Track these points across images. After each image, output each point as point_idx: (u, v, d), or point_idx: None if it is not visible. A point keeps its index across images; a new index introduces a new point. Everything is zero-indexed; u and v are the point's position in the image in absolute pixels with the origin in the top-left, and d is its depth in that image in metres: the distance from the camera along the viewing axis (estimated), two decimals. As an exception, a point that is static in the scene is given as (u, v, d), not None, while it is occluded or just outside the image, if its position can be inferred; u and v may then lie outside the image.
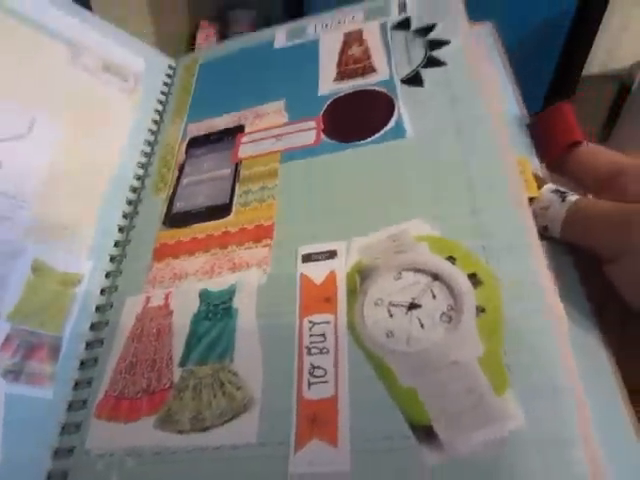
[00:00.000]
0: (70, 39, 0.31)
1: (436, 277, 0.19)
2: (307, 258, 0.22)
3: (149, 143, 0.31)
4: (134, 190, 0.29)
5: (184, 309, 0.22)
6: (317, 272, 0.21)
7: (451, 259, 0.19)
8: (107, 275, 0.26)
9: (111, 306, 0.24)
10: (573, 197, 0.20)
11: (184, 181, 0.28)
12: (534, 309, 0.17)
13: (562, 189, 0.21)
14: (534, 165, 0.24)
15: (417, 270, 0.20)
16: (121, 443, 0.20)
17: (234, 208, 0.25)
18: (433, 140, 0.23)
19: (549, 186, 0.22)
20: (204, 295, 0.22)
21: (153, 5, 1.10)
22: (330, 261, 0.21)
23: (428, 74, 0.26)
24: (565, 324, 0.17)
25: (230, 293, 0.22)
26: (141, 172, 0.30)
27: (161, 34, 1.12)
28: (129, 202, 0.28)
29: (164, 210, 0.27)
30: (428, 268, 0.20)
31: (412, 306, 0.19)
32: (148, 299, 0.23)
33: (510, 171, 0.21)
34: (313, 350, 0.19)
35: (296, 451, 0.17)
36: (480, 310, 0.18)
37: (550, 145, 0.24)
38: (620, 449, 0.16)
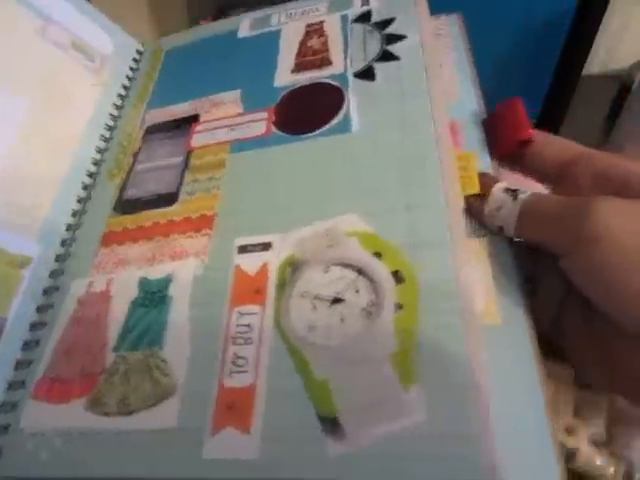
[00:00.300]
0: (43, 11, 0.30)
1: (361, 272, 0.20)
2: (243, 249, 0.22)
3: (109, 128, 0.31)
4: (90, 175, 0.29)
5: (123, 296, 0.23)
6: (251, 264, 0.21)
7: (378, 255, 0.20)
8: (57, 258, 0.26)
9: (57, 289, 0.25)
10: (524, 195, 0.20)
11: (137, 168, 0.28)
12: (448, 308, 0.18)
13: (513, 187, 0.21)
14: (485, 161, 0.24)
15: (344, 265, 0.20)
16: (52, 423, 0.20)
17: (180, 197, 0.25)
18: (376, 136, 0.23)
19: (499, 185, 0.22)
20: (143, 283, 0.23)
21: (153, 4, 1.09)
22: (264, 253, 0.21)
23: (381, 69, 0.26)
24: (479, 322, 0.18)
25: (167, 282, 0.22)
26: (98, 157, 0.30)
27: (161, 33, 1.11)
28: (84, 187, 0.29)
29: (116, 196, 0.27)
30: (355, 263, 0.20)
31: (336, 300, 0.19)
32: (91, 284, 0.24)
33: (447, 169, 0.21)
34: (238, 340, 0.20)
35: (210, 437, 0.18)
36: (398, 307, 0.18)
37: (500, 141, 0.24)
38: (528, 446, 0.17)
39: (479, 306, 0.20)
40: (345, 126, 0.24)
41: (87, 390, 0.21)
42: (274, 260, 0.21)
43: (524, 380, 0.18)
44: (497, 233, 0.21)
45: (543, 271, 0.21)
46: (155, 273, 0.23)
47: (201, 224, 0.24)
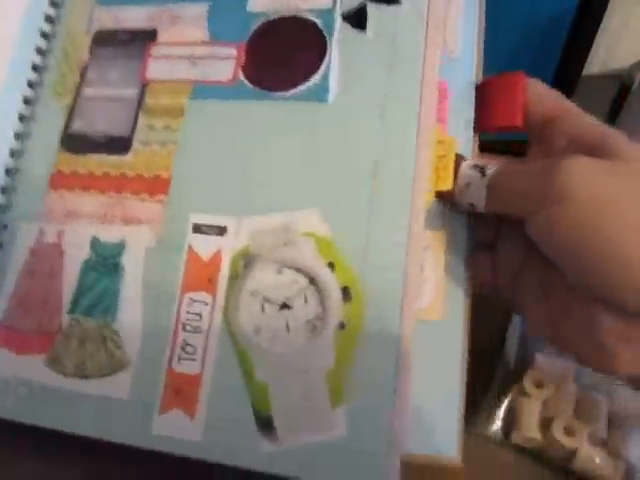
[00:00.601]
0: None
1: (312, 281, 0.20)
2: (197, 229, 0.21)
3: (50, 20, 0.26)
4: (31, 85, 0.25)
5: (75, 253, 0.22)
6: (205, 248, 0.21)
7: (331, 266, 0.20)
8: (2, 190, 0.24)
9: (5, 227, 0.24)
10: (491, 170, 0.20)
11: (86, 91, 0.25)
12: (387, 335, 0.19)
13: (481, 163, 0.21)
14: (467, 143, 0.23)
15: (297, 269, 0.20)
16: (14, 372, 0.22)
17: (134, 145, 0.23)
18: (352, 118, 0.21)
19: (468, 162, 0.21)
20: (95, 244, 0.22)
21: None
22: (219, 238, 0.21)
23: (375, 15, 0.22)
24: (412, 356, 0.19)
25: (119, 248, 0.22)
26: (39, 60, 0.26)
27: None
28: (26, 100, 0.25)
29: (62, 124, 0.24)
30: (307, 271, 0.20)
31: (284, 306, 0.20)
32: (42, 233, 0.23)
33: (418, 181, 0.20)
34: (188, 327, 0.20)
35: (159, 415, 0.20)
36: (341, 326, 0.19)
37: (486, 118, 0.23)
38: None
39: (423, 304, 0.21)
40: (322, 92, 0.22)
41: (45, 347, 0.22)
42: (228, 249, 0.21)
43: (445, 379, 0.20)
44: (469, 211, 0.21)
45: (503, 238, 0.22)
46: (107, 235, 0.22)
47: (155, 187, 0.22)
